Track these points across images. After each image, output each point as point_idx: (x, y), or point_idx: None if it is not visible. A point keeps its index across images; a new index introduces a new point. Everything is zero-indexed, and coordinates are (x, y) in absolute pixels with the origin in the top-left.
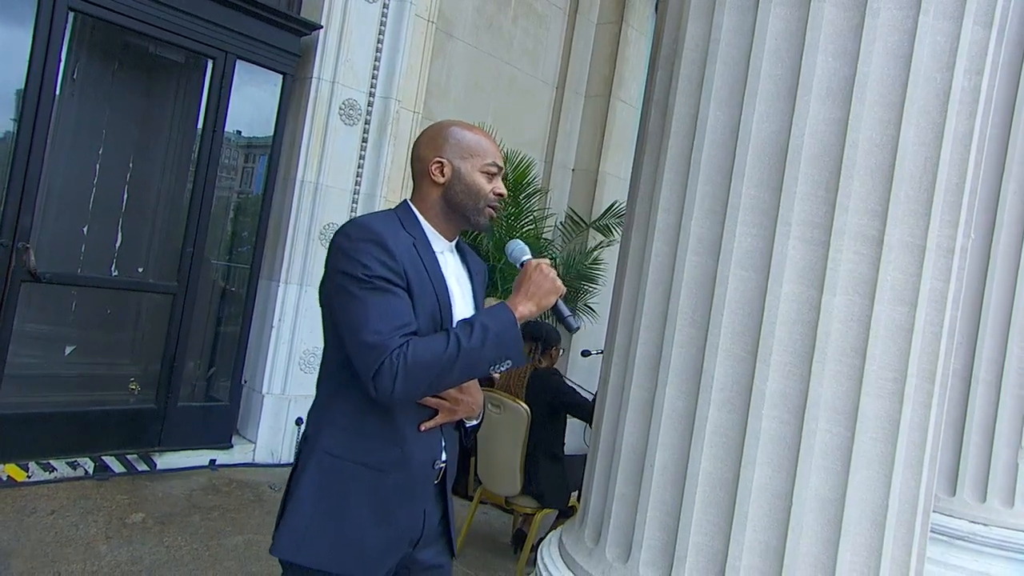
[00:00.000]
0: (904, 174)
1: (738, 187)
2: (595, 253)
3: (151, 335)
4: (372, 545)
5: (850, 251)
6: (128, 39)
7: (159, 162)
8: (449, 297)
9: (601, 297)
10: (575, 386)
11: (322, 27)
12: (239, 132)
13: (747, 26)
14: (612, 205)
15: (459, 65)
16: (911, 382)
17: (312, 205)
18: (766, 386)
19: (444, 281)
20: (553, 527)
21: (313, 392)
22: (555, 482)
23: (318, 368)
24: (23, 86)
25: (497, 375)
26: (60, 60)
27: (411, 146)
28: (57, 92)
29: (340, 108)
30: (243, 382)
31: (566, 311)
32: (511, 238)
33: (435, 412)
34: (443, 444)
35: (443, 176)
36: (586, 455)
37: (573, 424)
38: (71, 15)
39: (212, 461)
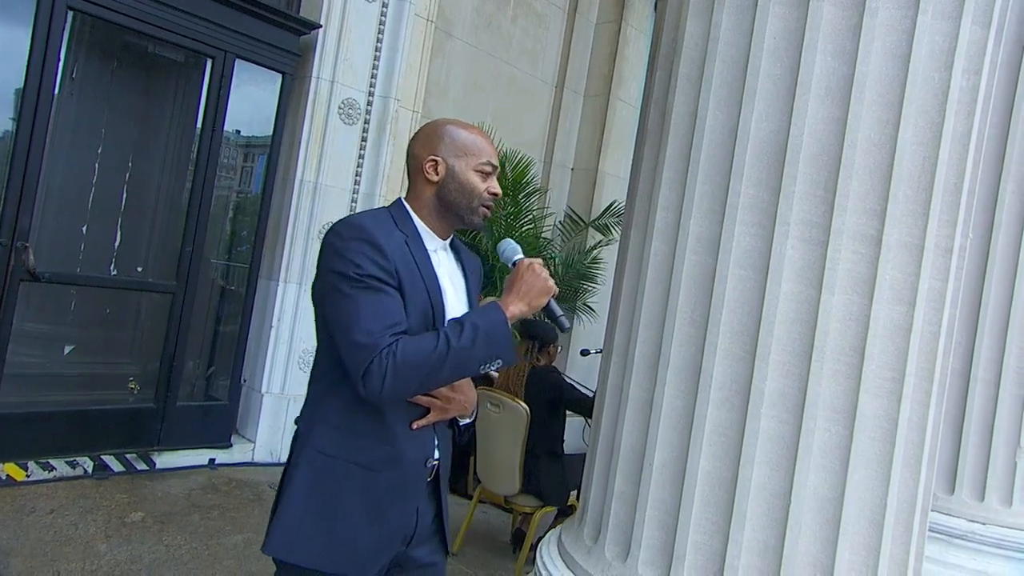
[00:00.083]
0: (903, 173)
1: (737, 186)
2: (594, 252)
3: (150, 334)
4: (364, 544)
5: (849, 250)
6: (127, 38)
7: (158, 161)
8: (441, 295)
9: (600, 296)
10: (574, 383)
11: (321, 26)
12: (238, 131)
13: (746, 25)
14: (611, 204)
15: (458, 64)
16: (910, 381)
17: (311, 204)
18: (765, 385)
19: (436, 279)
20: (552, 526)
21: None
22: (554, 481)
23: None
24: (22, 85)
25: (495, 374)
26: (59, 59)
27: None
28: (56, 91)
29: (339, 107)
30: (242, 381)
31: (558, 311)
32: (509, 237)
33: (427, 410)
34: (436, 442)
35: (437, 174)
36: (585, 454)
37: (572, 423)
38: (70, 14)
39: (211, 460)
